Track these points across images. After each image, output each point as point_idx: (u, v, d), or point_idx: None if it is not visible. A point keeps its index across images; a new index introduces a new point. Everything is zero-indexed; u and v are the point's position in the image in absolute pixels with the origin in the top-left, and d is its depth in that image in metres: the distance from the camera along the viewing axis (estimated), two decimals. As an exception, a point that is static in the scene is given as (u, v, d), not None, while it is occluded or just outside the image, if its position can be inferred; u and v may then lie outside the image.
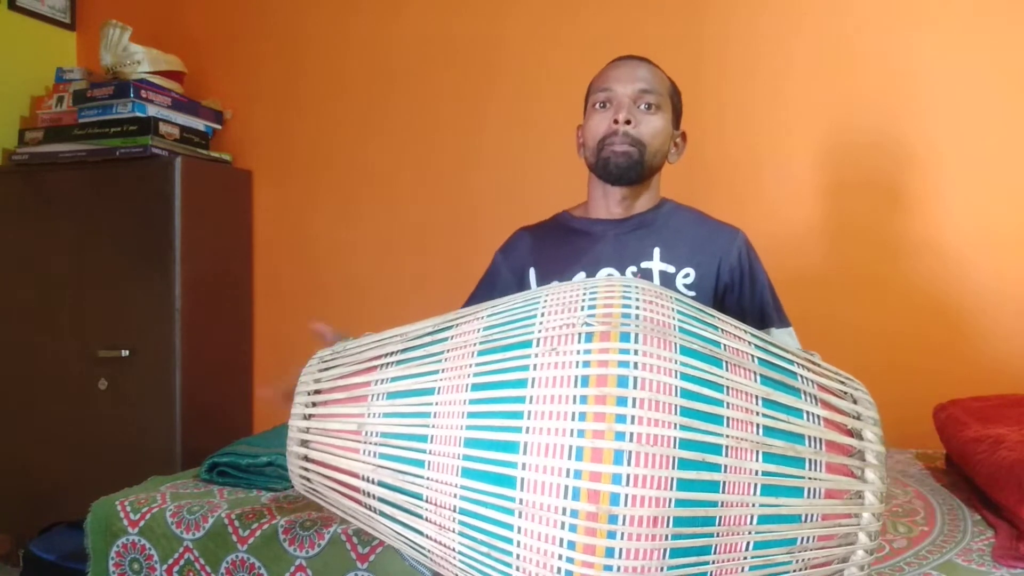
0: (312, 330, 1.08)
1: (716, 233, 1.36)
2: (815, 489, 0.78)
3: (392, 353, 0.91)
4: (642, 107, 1.29)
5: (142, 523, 1.64)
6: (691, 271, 1.29)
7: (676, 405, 0.74)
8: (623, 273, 1.29)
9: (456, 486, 0.79)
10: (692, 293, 1.28)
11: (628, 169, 1.28)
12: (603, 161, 1.30)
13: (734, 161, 2.29)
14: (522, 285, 1.36)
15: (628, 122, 1.27)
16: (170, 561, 1.60)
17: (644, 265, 1.30)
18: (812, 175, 2.25)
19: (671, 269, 1.29)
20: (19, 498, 2.61)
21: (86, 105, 2.58)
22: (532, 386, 0.78)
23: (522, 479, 0.75)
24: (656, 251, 1.30)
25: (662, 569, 0.72)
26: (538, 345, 0.81)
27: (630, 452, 0.72)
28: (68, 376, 2.56)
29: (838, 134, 2.22)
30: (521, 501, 0.75)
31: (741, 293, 1.33)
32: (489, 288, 1.40)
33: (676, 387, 0.75)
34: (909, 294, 2.15)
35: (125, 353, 2.49)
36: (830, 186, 2.23)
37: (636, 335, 0.78)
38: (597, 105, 1.32)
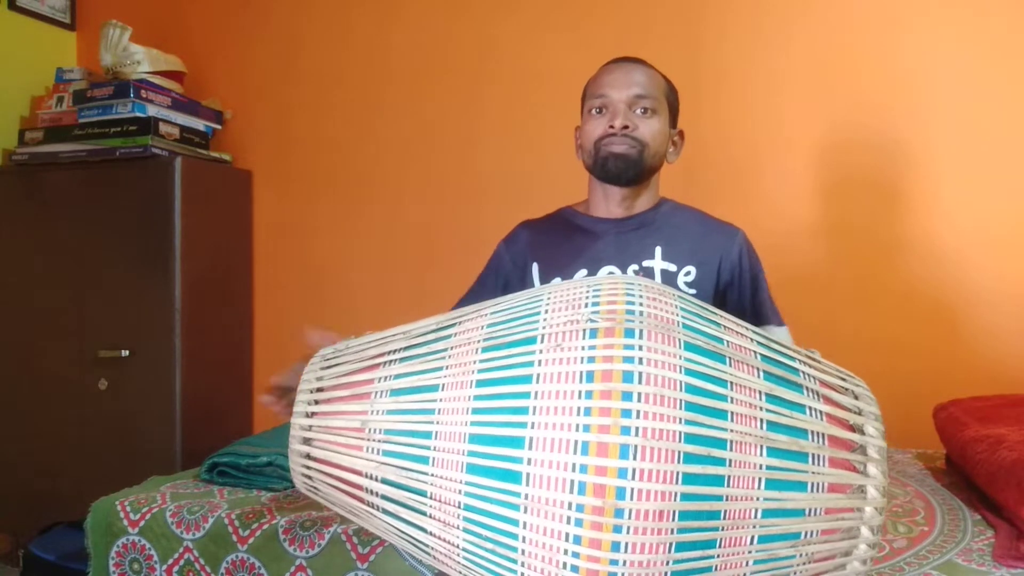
0: (305, 337, 1.07)
1: (716, 231, 1.36)
2: (818, 483, 0.78)
3: (395, 351, 0.91)
4: (638, 112, 1.30)
5: (142, 523, 1.63)
6: (692, 269, 1.30)
7: (681, 400, 0.74)
8: (624, 272, 1.29)
9: (461, 482, 0.79)
10: (693, 291, 1.28)
11: (627, 169, 1.29)
12: (601, 161, 1.30)
13: (732, 161, 2.30)
14: (524, 278, 1.36)
15: (625, 127, 1.28)
16: (170, 561, 1.60)
17: (646, 264, 1.30)
18: (811, 175, 2.25)
19: (673, 267, 1.30)
20: (19, 498, 2.60)
21: (86, 105, 2.57)
22: (537, 382, 0.78)
23: (527, 474, 0.75)
24: (658, 250, 1.31)
25: (668, 563, 0.73)
26: (542, 341, 0.81)
27: (635, 447, 0.72)
28: (68, 376, 2.56)
29: (836, 134, 2.22)
30: (527, 496, 0.75)
31: (741, 291, 1.33)
32: (492, 277, 1.40)
33: (681, 382, 0.75)
34: (908, 294, 2.15)
35: (125, 353, 2.49)
36: (829, 186, 2.23)
37: (640, 331, 0.78)
38: (593, 111, 1.32)
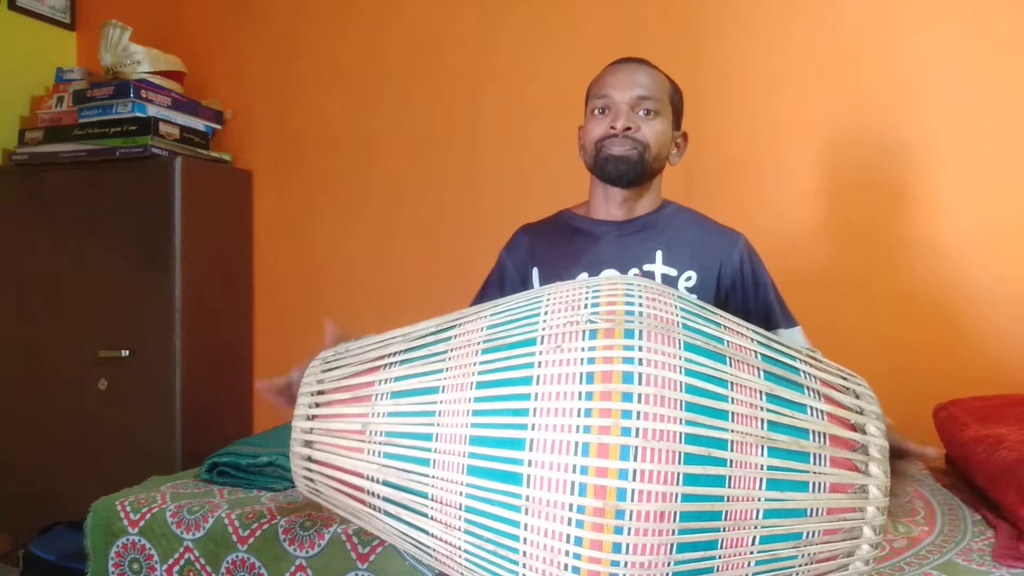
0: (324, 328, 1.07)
1: (717, 236, 1.36)
2: (820, 483, 0.78)
3: (396, 353, 0.91)
4: (641, 113, 1.29)
5: (142, 523, 1.64)
6: (693, 274, 1.30)
7: (681, 401, 0.74)
8: (625, 275, 1.29)
9: (462, 484, 0.79)
10: (694, 296, 1.28)
11: (627, 170, 1.29)
12: (602, 162, 1.30)
13: (733, 161, 2.30)
14: (526, 284, 1.36)
15: (628, 129, 1.28)
16: (170, 561, 1.60)
17: (647, 268, 1.30)
18: (812, 176, 2.25)
19: (673, 272, 1.29)
20: (19, 498, 2.60)
21: (86, 105, 2.57)
22: (537, 383, 0.78)
23: (528, 476, 0.75)
24: (658, 254, 1.31)
25: (669, 564, 0.73)
26: (542, 343, 0.81)
27: (636, 448, 0.72)
28: (68, 376, 2.56)
29: (837, 134, 2.22)
30: (528, 498, 0.75)
31: (744, 296, 1.33)
32: (498, 286, 1.40)
33: (681, 383, 0.75)
34: (909, 294, 2.15)
35: (125, 353, 2.49)
36: (830, 187, 2.23)
37: (640, 332, 0.78)
38: (596, 111, 1.32)
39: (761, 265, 1.37)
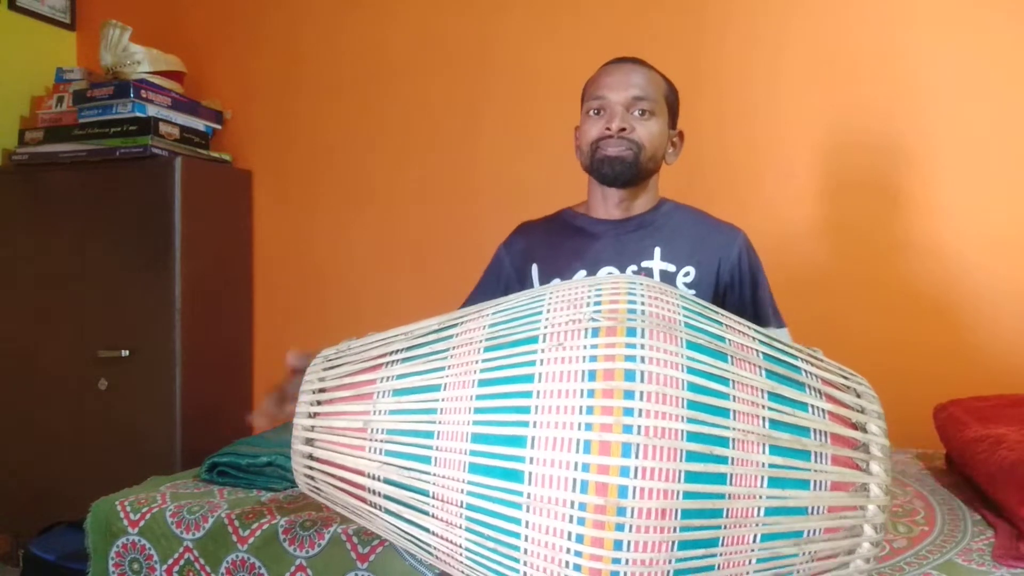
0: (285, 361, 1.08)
1: (716, 232, 1.36)
2: (821, 482, 0.78)
3: (397, 351, 0.91)
4: (636, 113, 1.30)
5: (142, 523, 1.63)
6: (691, 269, 1.30)
7: (683, 398, 0.74)
8: (623, 272, 1.30)
9: (463, 482, 0.79)
10: (692, 291, 1.29)
11: (623, 171, 1.29)
12: (597, 163, 1.30)
13: (733, 162, 2.30)
14: (524, 280, 1.36)
15: (623, 130, 1.28)
16: (170, 561, 1.60)
17: (645, 264, 1.30)
18: (811, 176, 2.25)
19: (672, 268, 1.30)
20: (19, 498, 2.60)
21: (86, 105, 2.58)
22: (539, 381, 0.78)
23: (530, 473, 0.75)
24: (657, 250, 1.31)
25: (670, 561, 0.73)
26: (544, 341, 0.81)
27: (638, 445, 0.72)
28: (68, 376, 2.56)
29: (837, 135, 2.22)
30: (529, 495, 0.75)
31: (742, 292, 1.34)
32: (493, 281, 1.40)
33: (683, 381, 0.75)
34: (909, 294, 2.15)
35: (125, 353, 2.49)
36: (829, 187, 2.23)
37: (642, 330, 0.78)
38: (591, 112, 1.32)
39: (759, 263, 1.37)
